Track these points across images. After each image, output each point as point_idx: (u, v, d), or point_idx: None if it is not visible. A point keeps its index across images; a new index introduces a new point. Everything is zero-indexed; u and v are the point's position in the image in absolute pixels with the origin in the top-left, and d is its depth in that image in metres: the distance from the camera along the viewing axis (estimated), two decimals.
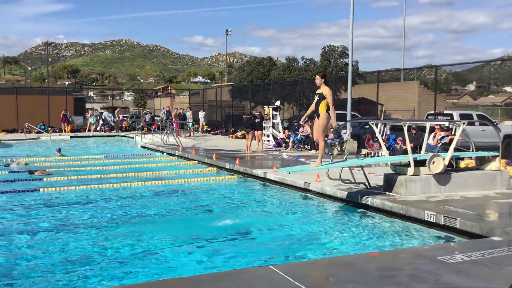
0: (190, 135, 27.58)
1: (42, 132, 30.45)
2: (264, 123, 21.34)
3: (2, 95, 34.59)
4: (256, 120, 19.32)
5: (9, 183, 12.28)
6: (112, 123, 34.01)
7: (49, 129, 31.60)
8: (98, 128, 32.71)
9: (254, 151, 18.48)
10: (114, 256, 6.46)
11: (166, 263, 6.24)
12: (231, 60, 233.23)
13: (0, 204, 9.80)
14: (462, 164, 10.48)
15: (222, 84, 60.02)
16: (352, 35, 18.33)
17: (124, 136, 30.27)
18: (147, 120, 33.67)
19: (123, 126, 34.72)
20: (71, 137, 29.44)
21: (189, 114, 31.99)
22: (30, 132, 30.25)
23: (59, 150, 18.75)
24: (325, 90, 9.08)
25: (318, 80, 9.26)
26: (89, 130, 32.36)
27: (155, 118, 37.11)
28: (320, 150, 9.53)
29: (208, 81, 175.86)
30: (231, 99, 36.17)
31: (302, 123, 18.40)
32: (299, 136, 19.50)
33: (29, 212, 9.15)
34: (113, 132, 32.30)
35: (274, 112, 22.48)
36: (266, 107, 23.55)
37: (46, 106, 33.31)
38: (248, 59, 63.53)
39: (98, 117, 34.11)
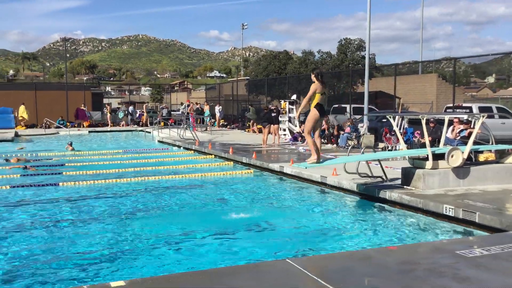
0: (206, 130, 27.67)
1: (61, 127, 30.83)
2: (281, 117, 21.32)
3: (21, 91, 35.15)
4: (273, 114, 19.30)
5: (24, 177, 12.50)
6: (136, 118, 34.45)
7: (68, 124, 31.99)
8: (128, 123, 32.92)
9: (270, 145, 18.48)
10: (131, 250, 6.52)
11: (183, 256, 6.28)
12: (247, 55, 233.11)
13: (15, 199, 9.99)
14: (481, 158, 10.32)
15: (238, 78, 60.06)
16: (369, 28, 18.19)
17: (141, 130, 30.57)
18: (164, 114, 33.87)
19: (141, 121, 35.02)
20: (89, 132, 29.85)
21: (208, 111, 32.14)
22: (49, 127, 30.63)
23: (71, 144, 18.70)
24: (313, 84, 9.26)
25: (312, 77, 9.46)
26: (118, 125, 32.68)
27: (172, 112, 37.30)
28: (309, 145, 9.52)
29: (224, 75, 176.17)
30: (247, 93, 36.18)
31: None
32: None
33: (46, 207, 9.30)
34: (131, 127, 32.61)
35: (291, 106, 22.43)
36: (283, 101, 23.51)
37: (64, 101, 33.79)
38: (264, 53, 63.38)
39: (126, 111, 34.34)
